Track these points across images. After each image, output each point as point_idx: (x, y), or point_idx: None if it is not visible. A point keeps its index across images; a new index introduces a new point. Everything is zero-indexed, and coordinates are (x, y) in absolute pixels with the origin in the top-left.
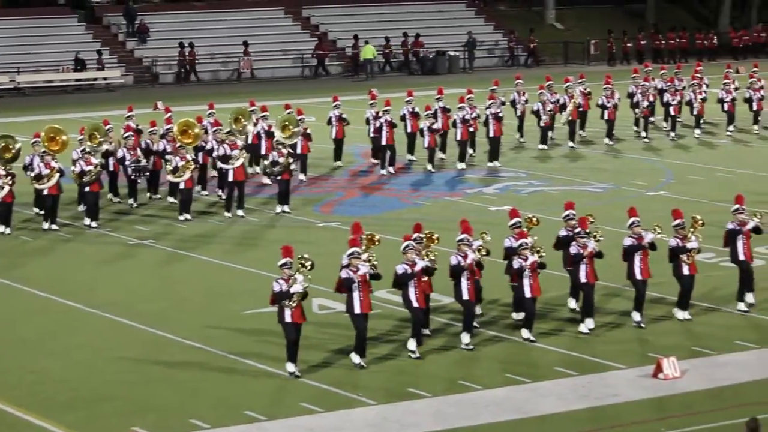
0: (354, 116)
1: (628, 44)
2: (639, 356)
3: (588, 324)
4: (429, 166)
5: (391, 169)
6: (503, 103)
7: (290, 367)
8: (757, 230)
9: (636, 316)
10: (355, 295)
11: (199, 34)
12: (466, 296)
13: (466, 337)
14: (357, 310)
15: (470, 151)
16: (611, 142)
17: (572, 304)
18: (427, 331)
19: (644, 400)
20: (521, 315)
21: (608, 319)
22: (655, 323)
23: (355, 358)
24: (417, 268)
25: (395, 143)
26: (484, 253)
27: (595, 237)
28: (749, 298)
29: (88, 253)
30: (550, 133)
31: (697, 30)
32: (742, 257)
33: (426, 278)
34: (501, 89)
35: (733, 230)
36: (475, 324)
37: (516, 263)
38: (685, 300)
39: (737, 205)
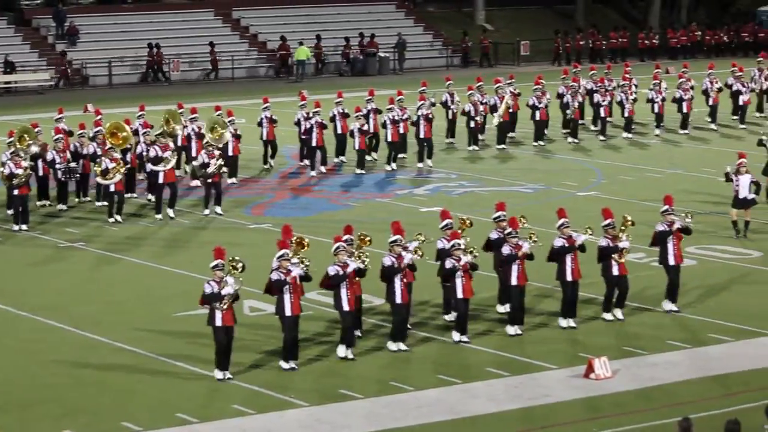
0: (284, 118)
1: (567, 44)
2: (570, 356)
3: (511, 330)
4: (359, 168)
5: (322, 169)
6: (433, 104)
7: (218, 374)
8: (686, 231)
9: (568, 316)
10: (286, 297)
11: (129, 36)
12: (399, 299)
13: (392, 345)
14: (288, 312)
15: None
16: (542, 143)
17: (500, 308)
18: (358, 333)
19: (576, 400)
20: (453, 316)
21: (539, 319)
22: (586, 323)
23: (284, 364)
24: (349, 269)
25: (325, 144)
26: (420, 254)
27: (530, 238)
28: (671, 306)
29: (19, 256)
30: (481, 134)
31: (624, 29)
32: (672, 260)
33: (357, 279)
34: (430, 90)
35: (662, 232)
36: (408, 326)
37: (449, 264)
38: (620, 300)
39: (666, 206)
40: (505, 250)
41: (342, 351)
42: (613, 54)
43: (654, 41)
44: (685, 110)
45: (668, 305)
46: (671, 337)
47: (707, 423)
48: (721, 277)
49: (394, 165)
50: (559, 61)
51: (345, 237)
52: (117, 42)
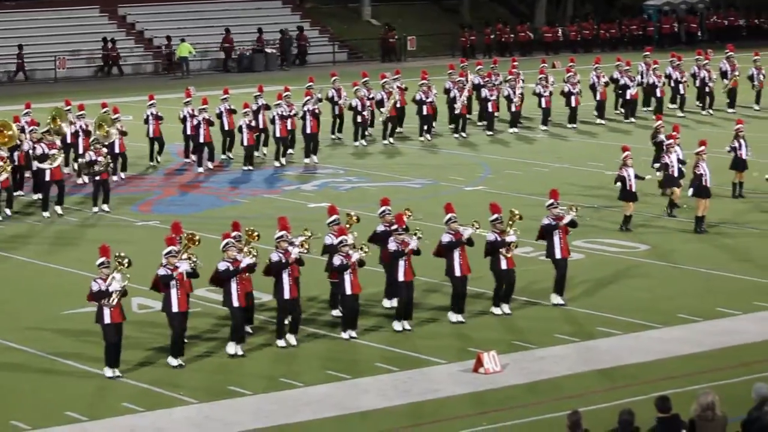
0: (171, 115)
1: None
2: (459, 351)
3: (398, 326)
4: (247, 164)
5: (210, 165)
6: (320, 100)
7: (108, 372)
8: (572, 224)
9: (456, 311)
10: (173, 293)
11: (12, 33)
12: (287, 294)
13: (281, 342)
14: (175, 308)
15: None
16: (429, 138)
17: (387, 303)
18: (249, 329)
19: (465, 395)
20: (339, 312)
21: (428, 314)
22: (475, 318)
23: (172, 361)
24: (242, 264)
25: (213, 141)
26: (307, 248)
27: (416, 234)
28: (558, 299)
29: None
30: (368, 129)
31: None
32: (558, 254)
33: (248, 276)
34: (317, 86)
35: (548, 225)
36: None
37: (337, 260)
38: (507, 294)
39: (552, 200)
40: (392, 246)
41: (232, 348)
42: (522, 48)
43: (558, 35)
44: (573, 104)
45: (556, 299)
46: (559, 331)
47: (596, 416)
48: (608, 271)
49: (283, 161)
50: (466, 55)
51: (233, 233)
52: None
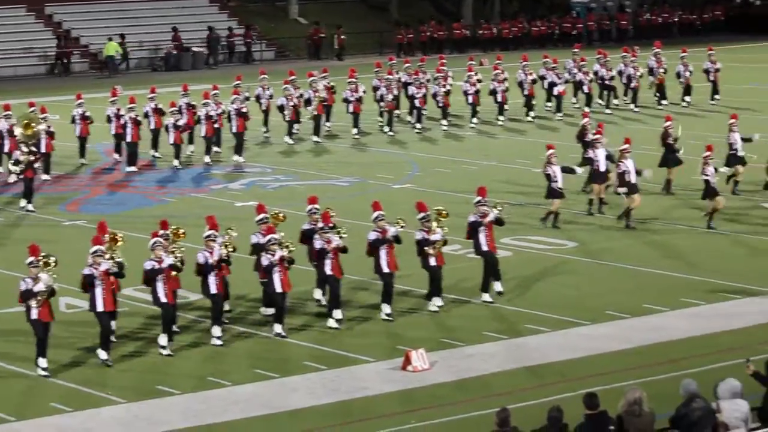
0: (99, 114)
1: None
2: (388, 349)
3: (336, 315)
4: (175, 162)
5: (133, 168)
6: (247, 98)
7: (42, 362)
8: (498, 221)
9: (386, 308)
10: (98, 292)
11: None
12: (214, 290)
13: (217, 330)
14: (100, 307)
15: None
16: (357, 136)
17: (318, 294)
18: (175, 328)
19: (393, 393)
20: (270, 310)
21: (356, 312)
22: (404, 316)
23: (102, 354)
24: (165, 264)
25: (140, 140)
26: (231, 249)
27: (339, 233)
28: (497, 286)
29: None
30: (295, 127)
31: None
32: (485, 248)
33: (174, 274)
34: (245, 84)
35: (475, 222)
36: (224, 320)
37: (265, 259)
38: (435, 288)
39: (479, 197)
40: (317, 244)
41: (163, 340)
42: (424, 46)
43: (492, 32)
44: (500, 101)
45: (485, 295)
46: (488, 329)
47: (524, 413)
48: (536, 268)
49: (208, 159)
50: (400, 53)
51: (161, 232)
52: None
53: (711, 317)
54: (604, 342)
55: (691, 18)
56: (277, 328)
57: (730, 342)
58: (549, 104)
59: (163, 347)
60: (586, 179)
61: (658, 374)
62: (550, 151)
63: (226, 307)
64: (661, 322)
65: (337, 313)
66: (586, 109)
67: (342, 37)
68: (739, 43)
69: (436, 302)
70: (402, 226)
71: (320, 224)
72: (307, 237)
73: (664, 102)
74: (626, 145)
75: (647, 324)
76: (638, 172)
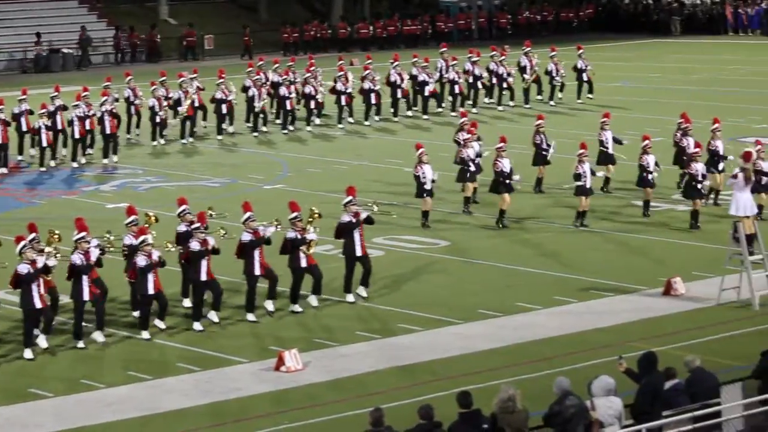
0: None
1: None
2: (261, 350)
3: (198, 326)
4: (52, 162)
5: (4, 170)
6: (117, 100)
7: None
8: (369, 221)
9: (269, 305)
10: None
11: None
12: (86, 296)
13: (99, 335)
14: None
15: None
16: (224, 135)
17: (186, 303)
18: (37, 332)
19: (267, 393)
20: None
21: (229, 313)
22: (276, 316)
23: (28, 353)
24: (39, 265)
25: (9, 142)
26: (111, 248)
27: (219, 232)
28: (362, 291)
29: None
30: (166, 129)
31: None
32: (358, 251)
33: (49, 277)
34: (115, 85)
35: (346, 223)
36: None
37: (141, 260)
38: (316, 287)
39: (350, 197)
40: (193, 245)
41: (43, 341)
42: (295, 47)
43: (373, 32)
44: (372, 101)
45: (359, 291)
46: (361, 328)
47: (398, 413)
48: (408, 267)
49: (83, 160)
50: (250, 54)
51: (30, 235)
52: None
53: (583, 315)
54: (477, 341)
55: (570, 16)
56: (161, 322)
57: (603, 340)
58: (416, 107)
59: (46, 349)
60: (456, 178)
61: (532, 372)
62: (420, 150)
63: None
64: (534, 320)
65: (214, 316)
66: (462, 109)
67: (208, 36)
68: (606, 41)
69: (312, 301)
70: (278, 227)
71: (195, 225)
72: (182, 238)
73: (537, 98)
74: (502, 144)
75: (520, 322)
76: (511, 170)
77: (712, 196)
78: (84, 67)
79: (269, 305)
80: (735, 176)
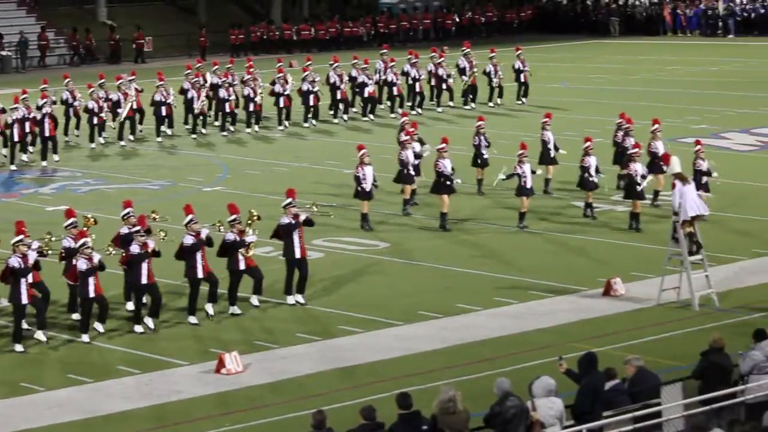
0: None
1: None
2: (201, 352)
3: (139, 328)
4: None
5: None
6: (54, 102)
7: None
8: (308, 222)
9: (210, 308)
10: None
11: None
12: (24, 300)
13: (41, 335)
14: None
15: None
16: (165, 137)
17: (130, 306)
18: None
19: (208, 396)
20: (78, 315)
21: (169, 315)
22: (216, 319)
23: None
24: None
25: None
26: (49, 251)
27: (159, 234)
28: (299, 298)
29: None
30: (104, 131)
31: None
32: (297, 253)
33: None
34: (52, 87)
35: (286, 224)
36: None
37: (81, 264)
38: (257, 287)
39: (289, 199)
40: (134, 249)
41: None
42: (236, 49)
43: (312, 33)
44: (311, 103)
45: (296, 297)
46: (301, 330)
47: (339, 415)
48: (348, 269)
49: (25, 158)
50: (203, 55)
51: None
52: None
53: (524, 316)
54: (418, 342)
55: (512, 17)
56: (101, 325)
57: (543, 340)
58: (355, 109)
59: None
60: (394, 178)
61: (472, 373)
62: (362, 151)
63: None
64: (474, 321)
65: (140, 327)
66: (400, 110)
67: (148, 38)
68: (547, 42)
69: (253, 301)
70: (221, 229)
71: (136, 228)
72: (123, 241)
73: (473, 103)
74: (443, 145)
75: (460, 323)
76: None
77: (649, 196)
78: (22, 69)
79: (209, 308)
80: (673, 185)
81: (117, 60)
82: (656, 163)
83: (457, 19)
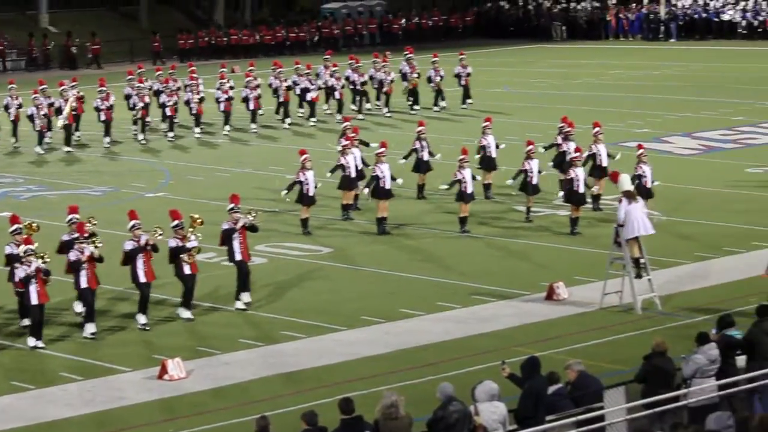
0: None
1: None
2: (144, 358)
3: (89, 329)
4: None
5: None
6: None
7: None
8: (252, 228)
9: (141, 318)
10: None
11: None
12: None
13: None
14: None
15: None
16: (108, 145)
17: (78, 308)
18: None
19: (151, 402)
20: (27, 321)
21: (113, 322)
22: (160, 325)
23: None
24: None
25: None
26: None
27: (93, 243)
28: (245, 297)
29: None
30: (46, 137)
31: (188, 31)
32: (238, 257)
33: None
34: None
35: (228, 230)
36: None
37: (22, 271)
38: (187, 299)
39: (232, 204)
40: (72, 255)
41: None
42: (179, 54)
43: (250, 38)
44: (252, 108)
45: (239, 303)
46: (244, 336)
47: (282, 420)
48: (290, 274)
49: None
50: (154, 60)
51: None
52: None
53: (466, 320)
54: (361, 347)
55: (456, 22)
56: (31, 341)
57: (486, 345)
58: (302, 110)
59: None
60: (338, 185)
61: (415, 378)
62: (304, 156)
63: None
64: (417, 326)
65: (91, 327)
66: (338, 116)
67: (96, 46)
68: (490, 47)
69: (187, 314)
70: (160, 235)
71: (75, 234)
72: (67, 247)
73: (416, 107)
74: (382, 149)
75: (403, 328)
76: (392, 178)
77: (589, 200)
78: None
79: (141, 319)
80: (620, 200)
81: (74, 66)
82: (597, 167)
83: (404, 24)
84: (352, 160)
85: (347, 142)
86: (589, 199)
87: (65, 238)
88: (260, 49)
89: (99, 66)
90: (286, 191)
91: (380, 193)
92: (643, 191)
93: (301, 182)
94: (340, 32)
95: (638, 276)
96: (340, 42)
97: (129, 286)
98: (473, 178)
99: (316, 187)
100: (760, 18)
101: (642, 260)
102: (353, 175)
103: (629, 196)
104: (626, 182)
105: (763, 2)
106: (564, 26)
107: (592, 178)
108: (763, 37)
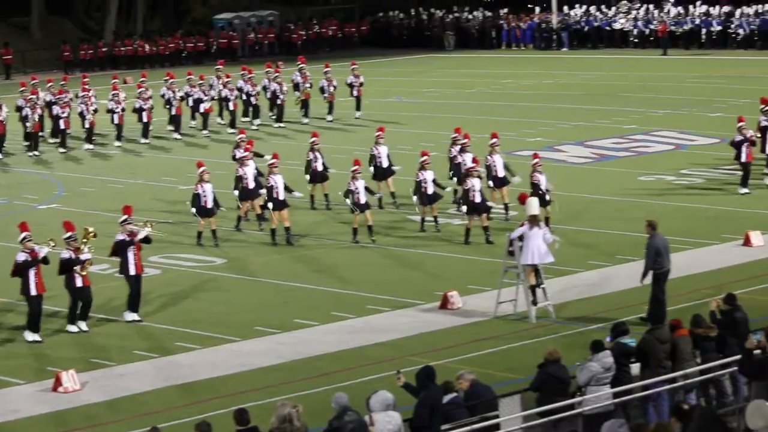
0: None
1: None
2: (38, 371)
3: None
4: None
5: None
6: None
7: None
8: (146, 240)
9: (29, 336)
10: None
11: None
12: None
13: None
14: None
15: None
16: (0, 156)
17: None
18: None
19: (45, 415)
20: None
21: (4, 335)
22: (53, 337)
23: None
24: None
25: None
26: None
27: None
28: (133, 316)
29: None
30: None
31: (84, 41)
32: (132, 269)
33: None
34: None
35: (122, 241)
36: None
37: None
38: (84, 312)
39: (126, 216)
40: None
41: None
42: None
43: (137, 49)
44: (145, 119)
45: (130, 315)
46: (138, 347)
47: (176, 431)
48: (185, 285)
49: None
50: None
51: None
52: None
53: (361, 330)
54: (255, 357)
55: (351, 31)
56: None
57: (381, 354)
58: (194, 122)
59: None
60: (238, 196)
61: (310, 388)
62: (202, 168)
63: None
64: (312, 336)
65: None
66: (230, 129)
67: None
68: (382, 57)
69: (81, 326)
70: (53, 246)
71: None
72: None
73: (308, 118)
74: (274, 160)
75: (298, 338)
76: (288, 189)
77: (501, 208)
78: None
79: (28, 336)
80: (523, 223)
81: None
82: (496, 177)
83: (304, 34)
84: (250, 171)
85: (245, 153)
86: (492, 204)
87: None
88: (157, 59)
89: (8, 77)
90: (194, 210)
91: (275, 203)
92: (541, 200)
93: (198, 194)
94: (238, 42)
95: (534, 303)
96: (238, 52)
97: (19, 298)
98: (367, 190)
99: (215, 201)
100: (652, 27)
101: (540, 287)
102: (251, 186)
103: (533, 221)
104: (534, 206)
105: (655, 11)
106: (455, 35)
107: (488, 189)
108: (655, 45)
